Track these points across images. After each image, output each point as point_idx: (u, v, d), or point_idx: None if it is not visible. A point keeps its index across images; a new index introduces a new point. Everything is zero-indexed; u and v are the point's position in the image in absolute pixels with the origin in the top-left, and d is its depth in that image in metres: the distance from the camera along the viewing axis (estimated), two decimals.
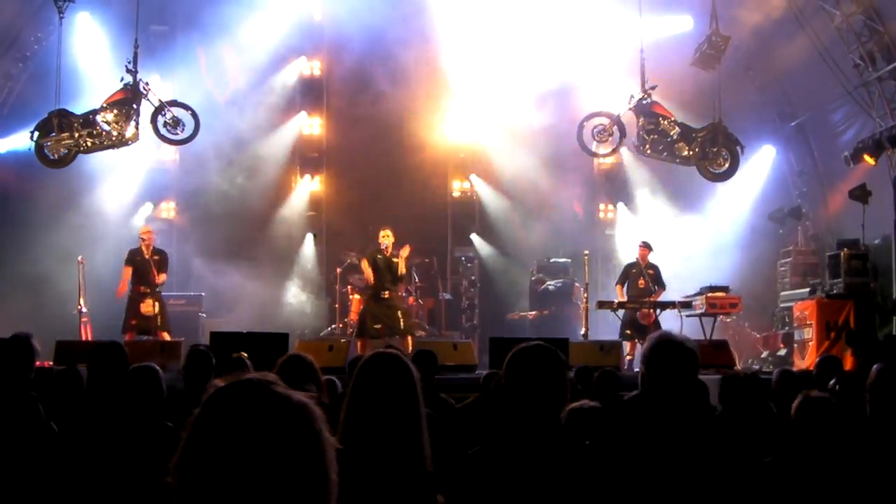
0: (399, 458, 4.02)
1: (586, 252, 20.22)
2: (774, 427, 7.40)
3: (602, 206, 24.71)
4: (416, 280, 21.37)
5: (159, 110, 18.32)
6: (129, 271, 17.87)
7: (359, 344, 17.31)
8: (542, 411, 4.29)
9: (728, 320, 20.54)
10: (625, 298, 18.85)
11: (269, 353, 13.82)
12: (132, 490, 6.19)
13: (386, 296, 17.53)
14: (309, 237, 23.59)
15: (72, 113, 18.27)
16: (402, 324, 17.42)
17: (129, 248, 18.30)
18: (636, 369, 15.42)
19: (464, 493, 4.27)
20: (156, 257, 18.04)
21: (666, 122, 18.66)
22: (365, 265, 17.66)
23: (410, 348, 16.65)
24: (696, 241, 22.48)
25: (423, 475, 4.08)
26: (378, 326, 17.28)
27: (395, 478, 3.96)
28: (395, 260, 17.62)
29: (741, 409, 7.86)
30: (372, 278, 17.43)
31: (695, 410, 4.90)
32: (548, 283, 22.64)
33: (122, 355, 8.09)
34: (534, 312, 22.55)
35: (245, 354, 8.88)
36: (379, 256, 17.60)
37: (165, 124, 18.39)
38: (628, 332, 18.50)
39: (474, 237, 24.19)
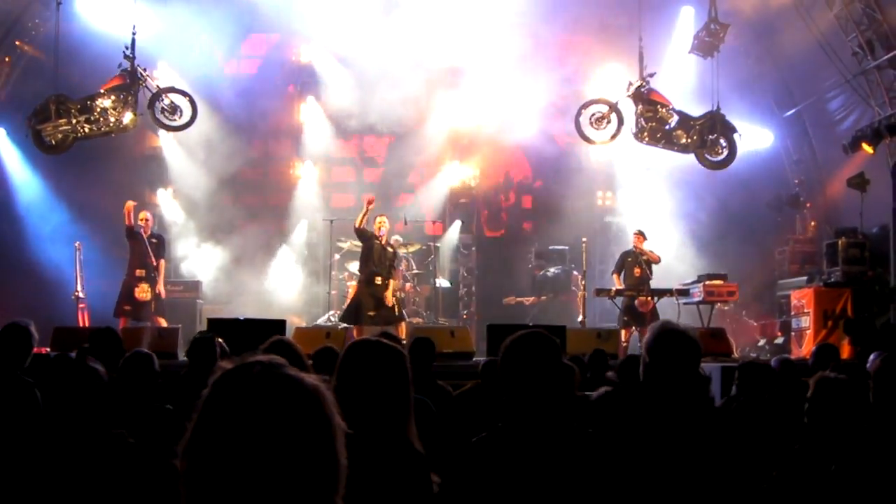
0: (385, 440, 4.01)
1: (584, 239, 20.23)
2: (783, 413, 7.43)
3: (600, 194, 24.66)
4: (414, 267, 21.37)
5: (157, 96, 18.27)
6: (130, 207, 17.86)
7: (355, 330, 17.37)
8: (541, 398, 4.30)
9: (725, 308, 20.56)
10: (622, 286, 18.89)
11: (266, 339, 13.83)
12: (131, 474, 6.19)
13: (378, 282, 17.55)
14: (303, 223, 23.58)
15: (69, 98, 18.20)
16: (395, 311, 17.50)
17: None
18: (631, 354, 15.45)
19: (468, 479, 4.27)
20: (154, 241, 18.05)
21: (664, 110, 18.62)
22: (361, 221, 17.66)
23: (404, 335, 16.70)
24: (694, 229, 22.48)
25: (412, 455, 4.08)
26: (372, 314, 17.34)
27: (383, 458, 3.96)
28: (390, 249, 17.71)
29: (759, 397, 7.91)
30: (362, 223, 17.51)
31: (697, 400, 4.90)
32: (547, 269, 22.62)
33: (117, 341, 8.09)
34: (531, 298, 22.53)
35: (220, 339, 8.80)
36: (376, 242, 17.65)
37: (163, 110, 18.33)
38: (625, 318, 18.53)
39: (471, 223, 24.15)
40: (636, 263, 18.92)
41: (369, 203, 17.57)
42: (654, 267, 19.16)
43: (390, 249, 17.87)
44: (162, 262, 18.13)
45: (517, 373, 4.36)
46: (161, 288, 18.03)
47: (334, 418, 1.95)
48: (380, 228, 17.70)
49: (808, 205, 23.53)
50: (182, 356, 16.02)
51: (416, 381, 6.09)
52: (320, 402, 1.94)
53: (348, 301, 19.02)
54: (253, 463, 1.84)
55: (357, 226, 17.61)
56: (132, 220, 17.87)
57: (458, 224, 23.91)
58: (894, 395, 5.30)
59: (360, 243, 18.33)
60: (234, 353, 7.53)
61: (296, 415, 1.89)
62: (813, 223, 23.45)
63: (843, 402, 5.74)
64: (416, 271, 21.48)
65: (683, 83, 20.64)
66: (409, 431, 4.15)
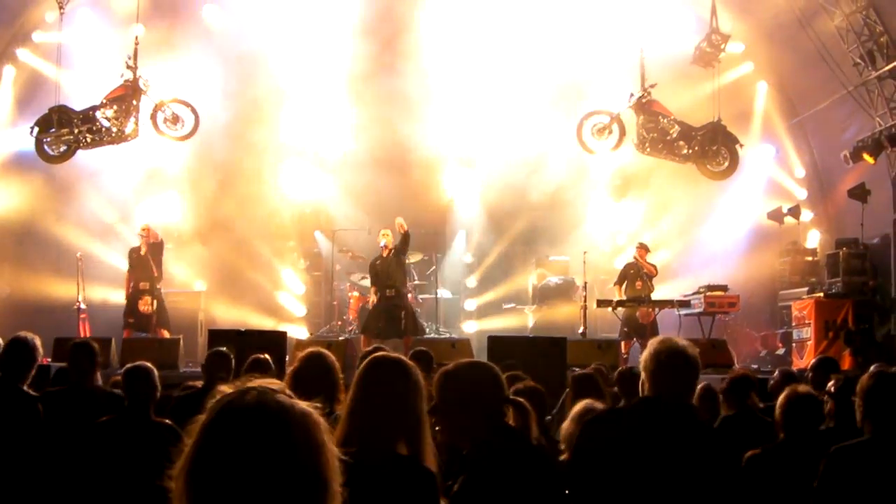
0: (399, 458, 4.02)
1: (585, 251, 20.24)
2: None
3: (602, 204, 24.64)
4: (415, 278, 21.38)
5: (159, 106, 18.31)
6: (130, 275, 18.10)
7: (363, 340, 17.46)
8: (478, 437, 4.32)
9: (727, 319, 20.54)
10: (623, 298, 18.89)
11: (266, 351, 13.85)
12: (130, 488, 6.22)
13: (389, 294, 17.68)
14: (318, 234, 23.53)
15: (71, 109, 18.25)
16: (403, 324, 17.55)
17: (128, 244, 18.45)
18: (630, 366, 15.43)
19: None
20: (154, 251, 18.14)
21: (665, 121, 18.64)
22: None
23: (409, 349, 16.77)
24: (695, 239, 22.47)
25: (424, 475, 4.08)
26: (381, 325, 17.46)
27: (395, 478, 3.96)
28: (392, 255, 17.81)
29: (752, 412, 7.93)
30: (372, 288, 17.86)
31: (695, 417, 4.91)
32: (549, 278, 22.62)
33: (91, 354, 8.12)
34: (532, 307, 22.52)
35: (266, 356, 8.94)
36: (378, 262, 17.78)
37: (165, 120, 18.38)
38: (626, 330, 18.54)
39: (473, 234, 24.13)
40: (638, 276, 18.95)
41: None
42: (654, 277, 19.20)
43: (391, 251, 17.96)
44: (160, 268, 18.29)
45: (451, 406, 4.40)
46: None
47: (326, 444, 1.99)
48: (381, 241, 17.79)
49: (809, 215, 23.50)
50: (183, 367, 16.09)
51: None
52: (311, 428, 1.97)
53: (354, 314, 19.34)
54: (245, 488, 1.87)
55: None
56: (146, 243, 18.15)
57: (461, 234, 23.93)
58: (884, 414, 5.28)
59: (362, 254, 18.54)
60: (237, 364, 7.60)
61: (286, 441, 1.93)
62: (814, 233, 23.42)
63: (813, 416, 5.80)
64: (417, 282, 21.50)
65: (685, 94, 20.63)
66: (424, 447, 4.14)
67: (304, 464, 1.92)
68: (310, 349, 6.13)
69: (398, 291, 17.86)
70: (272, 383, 2.03)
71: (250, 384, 2.02)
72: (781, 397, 6.34)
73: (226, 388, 2.03)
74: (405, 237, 17.97)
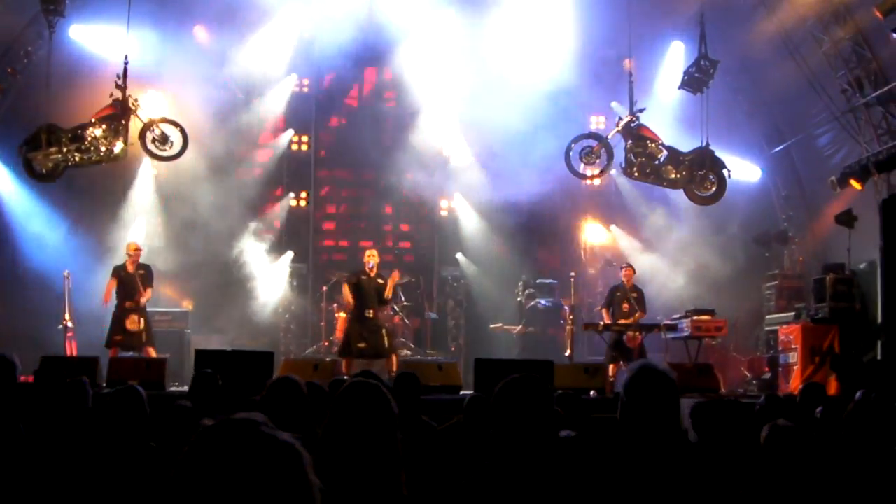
0: (374, 484, 4.02)
1: (573, 273, 20.24)
2: (752, 455, 7.44)
3: (589, 227, 24.70)
4: (402, 299, 21.35)
5: (148, 126, 18.25)
6: (112, 283, 17.99)
7: (344, 363, 17.31)
8: (532, 441, 4.33)
9: (713, 343, 20.54)
10: (610, 321, 18.87)
11: (253, 371, 13.86)
12: None
13: (370, 315, 17.52)
14: (289, 255, 23.48)
15: (60, 127, 18.16)
16: (385, 343, 17.45)
17: (115, 263, 18.40)
18: (617, 390, 15.42)
19: None
20: (141, 272, 18.08)
21: (653, 145, 18.66)
22: (345, 289, 17.76)
23: (395, 367, 16.71)
24: (682, 263, 22.50)
25: (400, 500, 4.09)
26: (362, 346, 17.30)
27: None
28: (379, 281, 17.67)
29: (717, 438, 7.90)
30: (352, 301, 17.52)
31: (674, 439, 4.93)
32: (538, 300, 22.59)
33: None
34: (519, 327, 22.48)
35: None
36: (363, 277, 17.64)
37: (154, 140, 18.30)
38: (613, 354, 18.50)
39: (460, 256, 24.11)
40: (625, 298, 18.93)
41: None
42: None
43: (380, 281, 17.85)
44: (148, 290, 18.18)
45: (509, 416, 4.40)
46: (143, 299, 18.11)
47: (309, 475, 1.98)
48: (368, 262, 17.71)
49: (795, 241, 23.58)
50: (169, 387, 16.01)
51: (401, 417, 6.04)
52: (294, 460, 1.97)
53: (341, 335, 19.13)
54: None
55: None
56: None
57: (448, 256, 23.94)
58: (867, 438, 5.31)
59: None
60: (224, 384, 7.58)
61: (270, 473, 1.92)
62: (801, 259, 23.48)
63: (795, 450, 5.81)
64: (405, 303, 21.48)
65: (673, 118, 20.70)
66: (398, 472, 4.15)
67: (287, 495, 1.91)
68: (275, 377, 6.15)
69: (376, 314, 17.77)
70: (255, 415, 2.03)
71: (233, 416, 2.02)
72: (764, 434, 6.34)
73: (207, 422, 2.03)
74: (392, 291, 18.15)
